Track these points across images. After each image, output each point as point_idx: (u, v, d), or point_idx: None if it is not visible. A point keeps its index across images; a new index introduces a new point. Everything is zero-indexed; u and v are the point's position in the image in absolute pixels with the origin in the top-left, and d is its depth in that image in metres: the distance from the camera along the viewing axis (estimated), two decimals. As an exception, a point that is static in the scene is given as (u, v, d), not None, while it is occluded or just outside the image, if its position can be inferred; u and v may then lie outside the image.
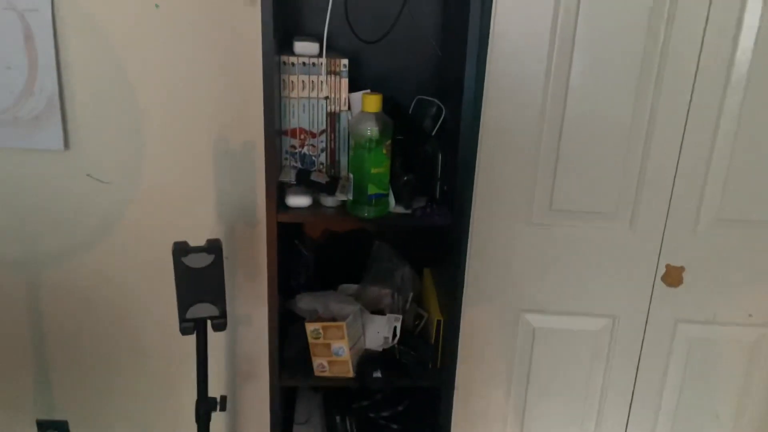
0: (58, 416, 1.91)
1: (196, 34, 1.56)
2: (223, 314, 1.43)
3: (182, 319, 1.41)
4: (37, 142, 1.61)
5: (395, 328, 1.48)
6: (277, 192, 1.34)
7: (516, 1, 1.54)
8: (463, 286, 1.64)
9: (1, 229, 1.71)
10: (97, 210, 1.69)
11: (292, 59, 1.35)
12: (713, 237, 1.71)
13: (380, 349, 1.49)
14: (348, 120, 1.40)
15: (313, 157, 1.42)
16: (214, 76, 1.59)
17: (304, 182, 1.36)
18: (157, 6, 1.54)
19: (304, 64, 1.35)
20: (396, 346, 1.48)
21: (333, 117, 1.40)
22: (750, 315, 1.79)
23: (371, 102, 1.29)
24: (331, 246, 1.72)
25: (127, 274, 1.76)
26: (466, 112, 1.29)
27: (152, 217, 1.71)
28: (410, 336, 1.54)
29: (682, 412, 1.88)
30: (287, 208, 1.37)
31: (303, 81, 1.36)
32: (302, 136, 1.40)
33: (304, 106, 1.38)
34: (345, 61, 1.37)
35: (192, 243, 1.36)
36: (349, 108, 1.40)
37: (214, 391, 1.89)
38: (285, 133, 1.40)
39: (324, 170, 1.43)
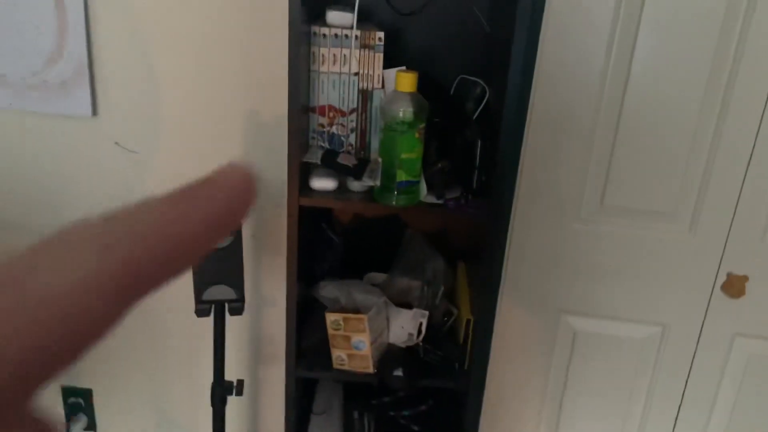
0: (82, 384, 1.91)
1: (228, -1, 1.48)
2: (241, 298, 1.37)
3: (198, 301, 1.35)
4: (65, 107, 1.56)
5: (420, 324, 1.38)
6: (301, 173, 1.26)
7: (577, -27, 1.39)
8: (499, 284, 1.53)
9: (27, 195, 1.68)
10: (123, 179, 1.65)
11: (324, 30, 1.25)
12: (784, 246, 1.54)
13: (404, 346, 1.40)
14: (381, 98, 1.29)
15: (342, 138, 1.32)
16: (245, 45, 1.51)
17: (330, 164, 1.26)
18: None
19: (336, 36, 1.25)
20: (420, 344, 1.38)
21: (365, 95, 1.29)
22: (820, 334, 1.61)
23: (405, 81, 1.18)
24: (361, 232, 1.63)
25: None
26: (512, 92, 1.16)
27: (179, 190, 1.65)
28: (437, 333, 1.44)
29: (733, 432, 1.73)
30: (311, 190, 1.28)
31: (335, 54, 1.26)
32: (331, 114, 1.30)
33: (334, 82, 1.28)
34: (381, 34, 1.25)
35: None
36: (383, 86, 1.29)
37: (238, 372, 1.85)
38: (313, 110, 1.30)
39: (353, 152, 1.33)
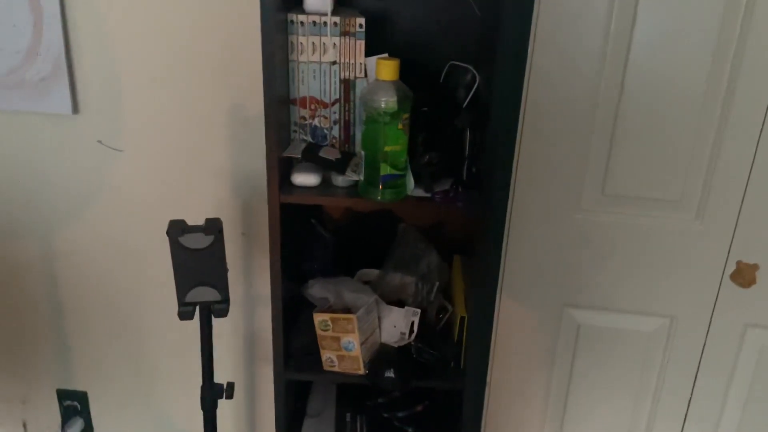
0: (78, 387, 1.88)
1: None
2: (225, 299, 1.32)
3: (181, 303, 1.30)
4: (46, 105, 1.52)
5: (413, 323, 1.32)
6: (282, 168, 1.20)
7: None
8: (497, 278, 1.47)
9: (11, 196, 1.65)
10: (108, 178, 1.60)
11: (301, 17, 1.18)
12: (797, 233, 1.46)
13: (396, 346, 1.34)
14: (362, 89, 1.23)
15: (325, 130, 1.26)
16: (225, 37, 1.45)
17: (313, 158, 1.21)
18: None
19: (314, 23, 1.19)
20: (413, 343, 1.33)
21: (347, 85, 1.23)
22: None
23: (387, 69, 1.12)
24: (353, 227, 1.57)
25: (144, 248, 1.68)
26: (502, 77, 1.10)
27: (165, 188, 1.60)
28: (432, 332, 1.38)
29: (746, 427, 1.66)
30: (293, 186, 1.23)
31: (314, 42, 1.20)
32: (313, 106, 1.24)
33: (314, 71, 1.22)
34: (361, 21, 1.19)
35: (207, 215, 1.25)
36: (366, 75, 1.22)
37: (234, 373, 1.81)
38: (293, 101, 1.24)
39: (337, 145, 1.27)
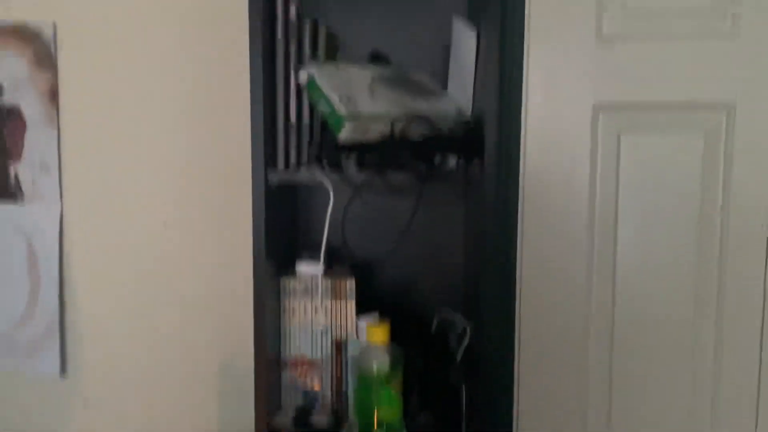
0: None
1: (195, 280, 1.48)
2: None
3: None
4: (34, 367, 1.50)
5: None
6: (274, 434, 1.15)
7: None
8: None
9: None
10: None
11: (294, 283, 1.22)
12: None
13: None
14: (354, 350, 1.22)
15: (317, 393, 1.23)
16: (219, 302, 1.48)
17: (303, 424, 1.16)
18: (164, 224, 1.48)
19: (306, 288, 1.22)
20: None
21: (339, 345, 1.23)
22: None
23: (377, 334, 1.12)
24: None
25: None
26: (491, 331, 1.11)
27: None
28: None
29: None
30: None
31: (305, 305, 1.22)
32: (304, 368, 1.23)
33: (305, 332, 1.23)
34: (351, 283, 1.22)
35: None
36: (357, 335, 1.23)
37: None
38: (285, 363, 1.23)
39: (329, 407, 1.23)
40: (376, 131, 1.11)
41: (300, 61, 1.15)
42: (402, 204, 1.38)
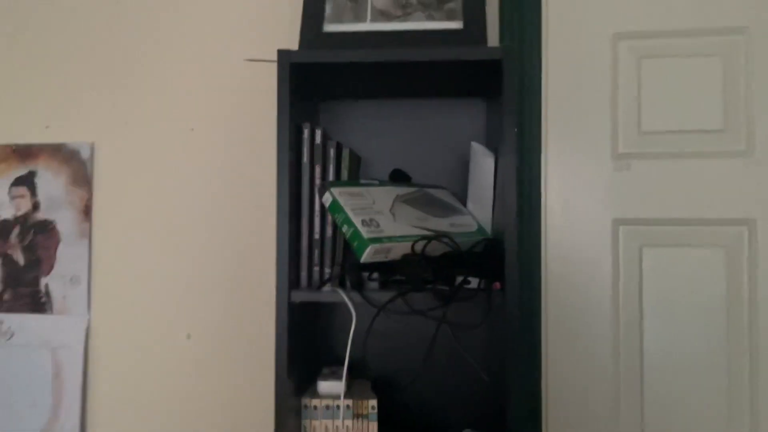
0: None
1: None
2: None
3: None
4: (50, 485, 1.47)
5: None
6: None
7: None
8: None
9: None
10: None
11: (315, 401, 1.21)
12: None
13: None
14: (377, 473, 1.19)
15: None
16: (242, 418, 1.47)
17: None
18: (188, 336, 1.49)
19: (327, 407, 1.21)
20: None
21: (361, 468, 1.20)
22: None
23: (399, 458, 1.10)
24: None
25: None
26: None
27: None
28: None
29: None
30: None
31: (326, 426, 1.20)
32: (325, 492, 1.19)
33: (327, 455, 1.20)
34: (374, 402, 1.21)
35: None
36: (379, 457, 1.20)
37: None
38: (305, 488, 1.20)
39: None
40: (398, 251, 1.13)
41: (324, 182, 1.20)
42: (425, 321, 1.38)
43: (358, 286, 1.15)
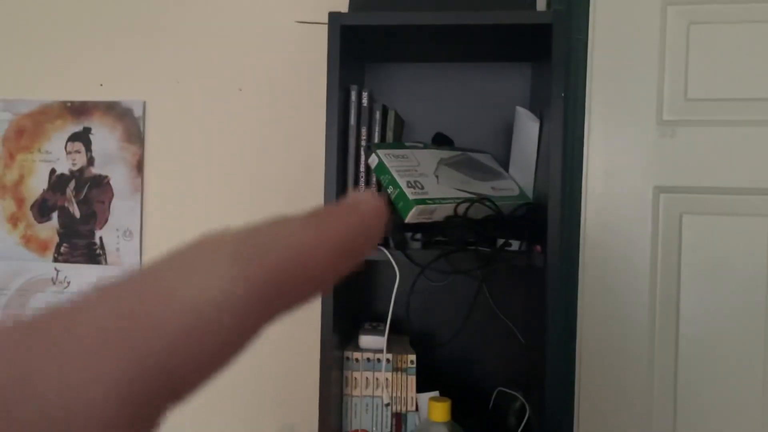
0: None
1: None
2: None
3: None
4: None
5: None
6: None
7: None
8: None
9: None
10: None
11: (357, 354, 1.26)
12: None
13: None
14: (416, 424, 1.25)
15: (377, 465, 1.26)
16: (284, 370, 1.54)
17: (363, 497, 1.18)
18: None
19: (368, 360, 1.26)
20: None
21: (399, 418, 1.26)
22: None
23: (438, 410, 1.14)
24: None
25: None
26: (550, 409, 1.11)
27: None
28: None
29: None
30: None
31: (367, 378, 1.26)
32: (365, 440, 1.26)
33: (367, 405, 1.26)
34: (413, 357, 1.26)
35: None
36: (417, 408, 1.26)
37: None
38: (346, 435, 1.26)
39: (388, 480, 1.25)
40: (441, 213, 1.16)
41: (370, 143, 1.23)
42: (465, 281, 1.41)
43: (402, 246, 1.19)
